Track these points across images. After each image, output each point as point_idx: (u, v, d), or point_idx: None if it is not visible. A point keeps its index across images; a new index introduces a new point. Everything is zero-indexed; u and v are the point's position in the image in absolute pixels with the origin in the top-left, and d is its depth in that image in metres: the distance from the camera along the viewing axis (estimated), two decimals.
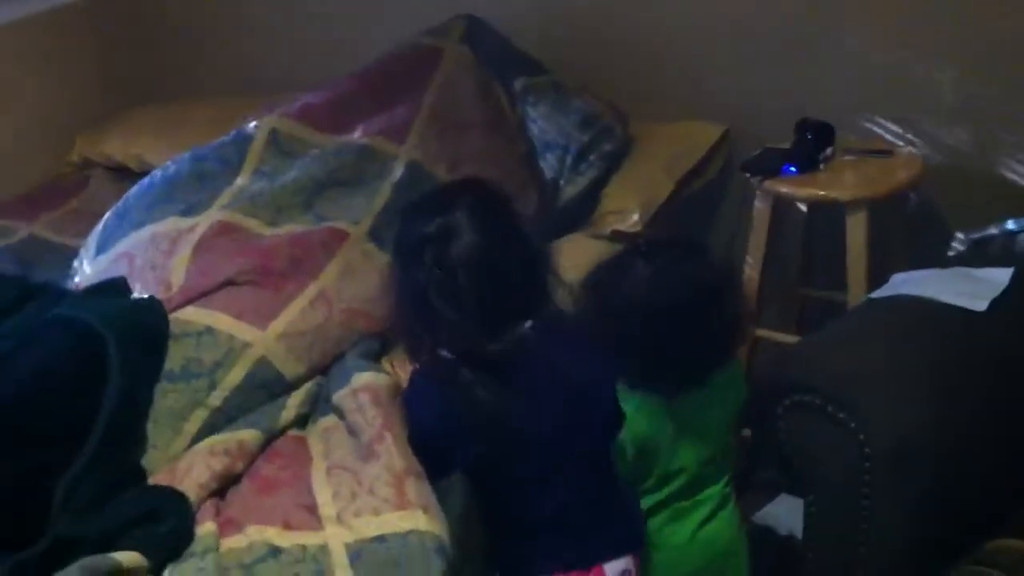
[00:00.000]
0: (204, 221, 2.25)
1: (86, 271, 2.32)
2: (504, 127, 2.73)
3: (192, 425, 1.93)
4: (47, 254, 2.69)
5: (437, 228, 1.81)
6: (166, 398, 1.93)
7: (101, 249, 2.33)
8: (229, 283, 2.13)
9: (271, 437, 1.95)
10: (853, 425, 1.96)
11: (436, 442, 1.84)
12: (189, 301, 2.09)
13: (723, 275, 2.05)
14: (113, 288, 2.13)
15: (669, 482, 2.03)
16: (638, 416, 1.97)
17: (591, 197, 2.75)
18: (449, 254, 1.79)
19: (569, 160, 2.75)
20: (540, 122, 2.80)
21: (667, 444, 2.00)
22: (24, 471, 1.70)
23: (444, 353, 1.83)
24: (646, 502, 2.02)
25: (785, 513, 2.47)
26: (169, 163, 2.47)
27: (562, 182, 2.74)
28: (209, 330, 2.03)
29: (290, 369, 2.05)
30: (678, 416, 2.00)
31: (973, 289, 2.21)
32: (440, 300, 1.79)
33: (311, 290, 2.14)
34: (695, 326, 1.93)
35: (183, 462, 1.86)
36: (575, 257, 2.23)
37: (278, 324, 2.07)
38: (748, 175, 2.71)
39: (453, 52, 2.75)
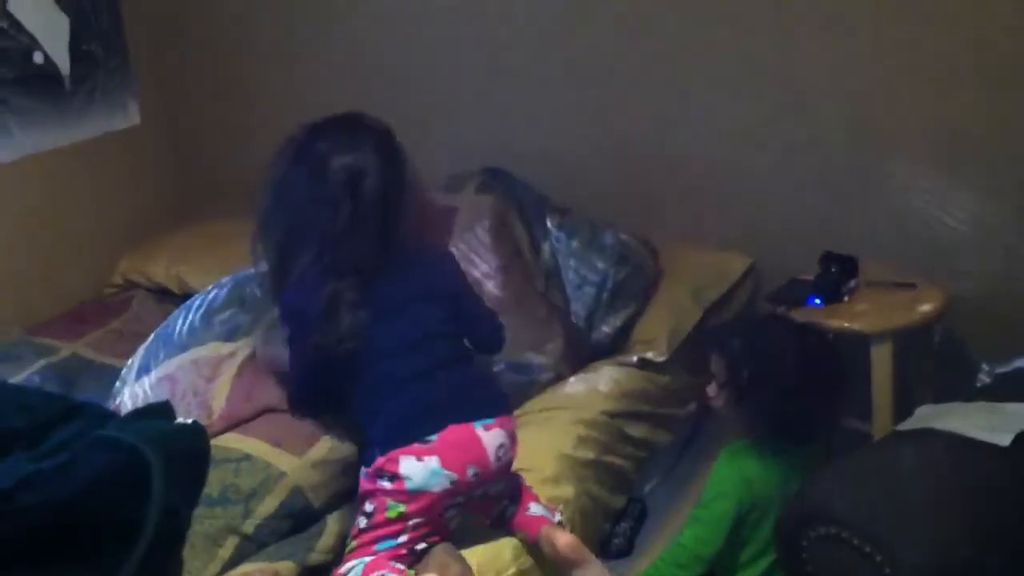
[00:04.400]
0: (244, 347, 2.32)
1: (128, 392, 2.39)
2: (519, 267, 2.76)
3: (225, 551, 1.95)
4: (88, 373, 2.76)
5: (353, 162, 2.06)
6: (203, 523, 1.96)
7: (144, 371, 2.40)
8: (269, 411, 2.18)
9: (304, 569, 1.97)
10: (879, 559, 1.96)
11: (305, 323, 2.06)
12: (229, 428, 2.15)
13: (840, 361, 2.34)
14: (159, 412, 2.18)
15: (765, 554, 2.24)
16: (757, 480, 2.22)
17: (624, 331, 2.79)
18: (360, 188, 2.05)
19: (605, 296, 2.79)
20: (573, 260, 2.85)
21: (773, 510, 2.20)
22: None
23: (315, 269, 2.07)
24: (745, 555, 2.26)
25: None
26: (212, 287, 2.55)
27: (597, 318, 2.78)
28: (248, 457, 2.08)
29: (319, 497, 2.08)
30: (784, 482, 2.21)
31: (998, 423, 2.21)
32: (336, 223, 2.05)
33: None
34: (823, 394, 2.23)
35: None
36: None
37: (315, 452, 2.11)
38: (774, 306, 2.75)
39: (469, 204, 2.83)
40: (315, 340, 2.03)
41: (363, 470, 2.05)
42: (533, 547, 2.09)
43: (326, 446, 2.12)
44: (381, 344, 2.05)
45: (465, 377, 2.11)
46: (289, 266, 2.12)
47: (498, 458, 2.04)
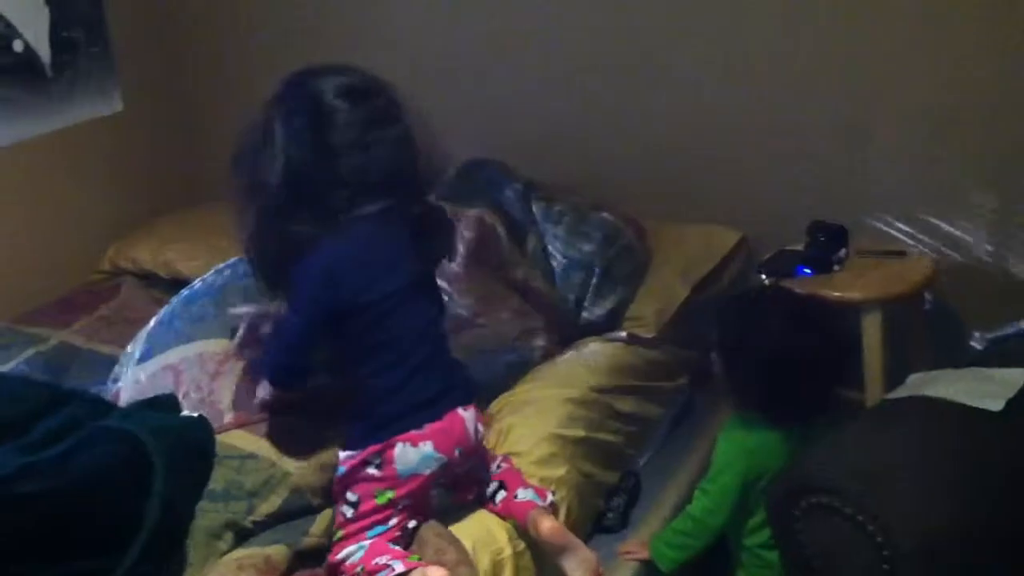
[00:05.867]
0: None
1: (129, 377, 2.37)
2: (482, 264, 2.70)
3: (224, 544, 1.95)
4: (78, 360, 2.74)
5: (351, 80, 2.02)
6: (205, 517, 1.96)
7: (145, 356, 2.38)
8: (276, 414, 2.18)
9: (296, 553, 1.96)
10: (872, 527, 1.95)
11: (330, 280, 1.98)
12: (237, 426, 2.15)
13: (842, 333, 2.34)
14: (165, 404, 2.17)
15: None
16: (759, 451, 2.24)
17: (615, 314, 2.78)
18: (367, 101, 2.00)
19: (594, 281, 2.78)
20: (560, 244, 2.84)
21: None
22: (66, 574, 1.72)
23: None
24: (753, 522, 2.26)
25: None
26: (221, 268, 2.52)
27: (586, 303, 2.77)
28: (253, 455, 2.08)
29: (318, 499, 2.07)
30: (787, 451, 2.22)
31: (989, 389, 2.21)
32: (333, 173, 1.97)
33: None
34: (816, 374, 2.22)
35: (212, 575, 1.86)
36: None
37: (325, 455, 2.10)
38: (763, 276, 2.74)
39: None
40: (343, 295, 1.97)
41: (346, 453, 2.03)
42: (525, 533, 2.10)
43: (335, 451, 2.09)
44: (402, 324, 2.02)
45: (452, 364, 2.13)
46: (296, 226, 2.00)
47: (475, 434, 2.08)
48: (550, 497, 2.15)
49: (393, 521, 1.99)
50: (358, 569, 1.92)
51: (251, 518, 1.99)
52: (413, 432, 1.98)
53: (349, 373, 2.05)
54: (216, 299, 2.44)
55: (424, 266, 2.12)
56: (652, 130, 3.13)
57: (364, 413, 2.03)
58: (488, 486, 2.15)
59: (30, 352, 2.75)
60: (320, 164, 1.97)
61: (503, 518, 2.12)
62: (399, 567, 1.89)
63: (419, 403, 2.01)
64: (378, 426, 2.00)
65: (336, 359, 2.10)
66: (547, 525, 2.04)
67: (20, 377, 2.52)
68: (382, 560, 1.91)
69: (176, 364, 2.32)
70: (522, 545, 2.11)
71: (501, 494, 2.13)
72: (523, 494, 2.12)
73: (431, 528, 2.04)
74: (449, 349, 2.15)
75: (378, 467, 1.98)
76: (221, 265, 2.55)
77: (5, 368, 2.62)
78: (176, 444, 1.96)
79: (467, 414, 2.06)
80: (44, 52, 3.18)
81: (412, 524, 2.03)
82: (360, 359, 2.02)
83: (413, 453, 1.98)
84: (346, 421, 2.07)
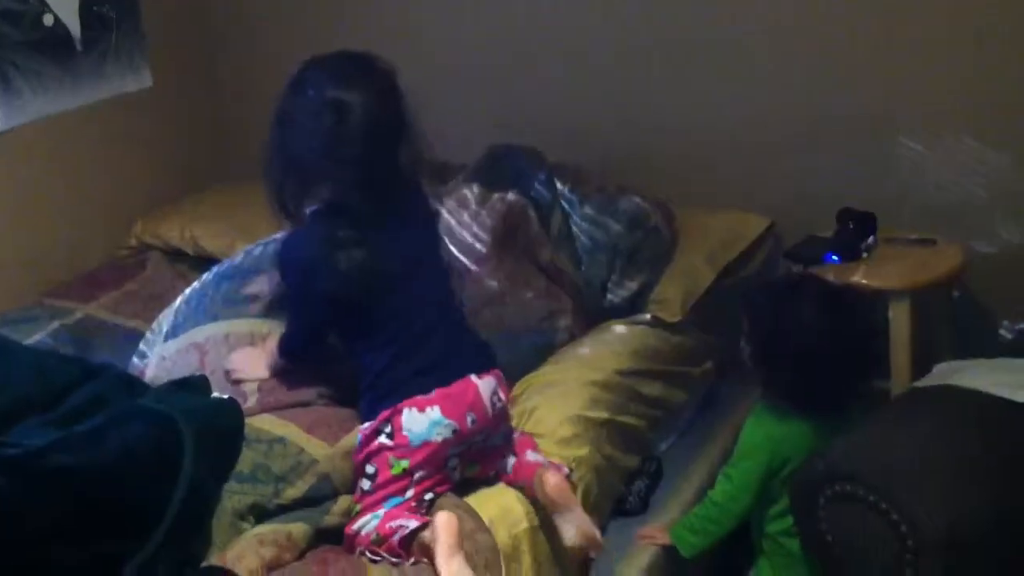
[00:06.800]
0: (278, 329, 2.28)
1: (155, 354, 2.38)
2: (509, 247, 2.71)
3: (247, 525, 1.96)
4: (102, 334, 2.75)
5: (340, 96, 2.01)
6: (231, 499, 1.97)
7: (172, 334, 2.38)
8: (304, 404, 2.19)
9: (317, 531, 1.98)
10: (896, 517, 1.94)
11: (308, 271, 2.05)
12: (262, 410, 2.16)
13: (872, 325, 2.36)
14: (195, 385, 2.17)
15: None
16: (785, 440, 2.23)
17: (640, 295, 2.76)
18: (344, 122, 1.99)
19: (619, 264, 2.76)
20: (587, 224, 2.82)
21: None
22: (93, 555, 1.71)
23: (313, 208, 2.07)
24: (775, 510, 2.25)
25: None
26: (251, 248, 2.53)
27: (611, 285, 2.75)
28: (281, 440, 2.08)
29: (344, 485, 2.08)
30: (814, 441, 2.21)
31: (1017, 379, 2.20)
32: (319, 159, 2.01)
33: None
34: (846, 366, 2.21)
35: (232, 551, 1.87)
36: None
37: (347, 440, 2.10)
38: (791, 263, 2.73)
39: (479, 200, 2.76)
40: (321, 286, 2.03)
41: (361, 429, 2.05)
42: (531, 497, 2.09)
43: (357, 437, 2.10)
44: (401, 297, 2.06)
45: (463, 331, 2.15)
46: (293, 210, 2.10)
47: (493, 404, 2.07)
48: (566, 471, 2.14)
49: (410, 492, 2.00)
50: (373, 536, 1.93)
51: (276, 501, 2.00)
52: (419, 397, 2.00)
53: (353, 347, 2.10)
54: (246, 280, 2.44)
55: (418, 246, 2.15)
56: (680, 116, 3.11)
57: (371, 384, 2.06)
58: (507, 462, 2.15)
59: (55, 325, 2.76)
60: (321, 155, 2.02)
61: (514, 486, 2.13)
62: (412, 524, 1.90)
63: (423, 368, 2.02)
64: (385, 394, 2.02)
65: (341, 335, 2.15)
66: (553, 481, 2.04)
67: (49, 351, 2.52)
68: (395, 523, 1.92)
69: (202, 343, 2.33)
70: (540, 519, 2.10)
71: (511, 460, 2.14)
72: (531, 456, 2.14)
73: (448, 499, 2.04)
74: (462, 318, 2.18)
75: (389, 435, 2.00)
76: (251, 246, 2.55)
77: (30, 341, 2.62)
78: (206, 426, 1.95)
79: (482, 382, 2.06)
80: (74, 26, 3.18)
81: (429, 496, 2.03)
82: (362, 332, 2.06)
83: (421, 418, 1.99)
84: (359, 398, 2.10)
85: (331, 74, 2.06)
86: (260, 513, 1.98)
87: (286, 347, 2.21)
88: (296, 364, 2.22)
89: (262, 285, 2.41)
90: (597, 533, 2.06)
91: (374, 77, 2.07)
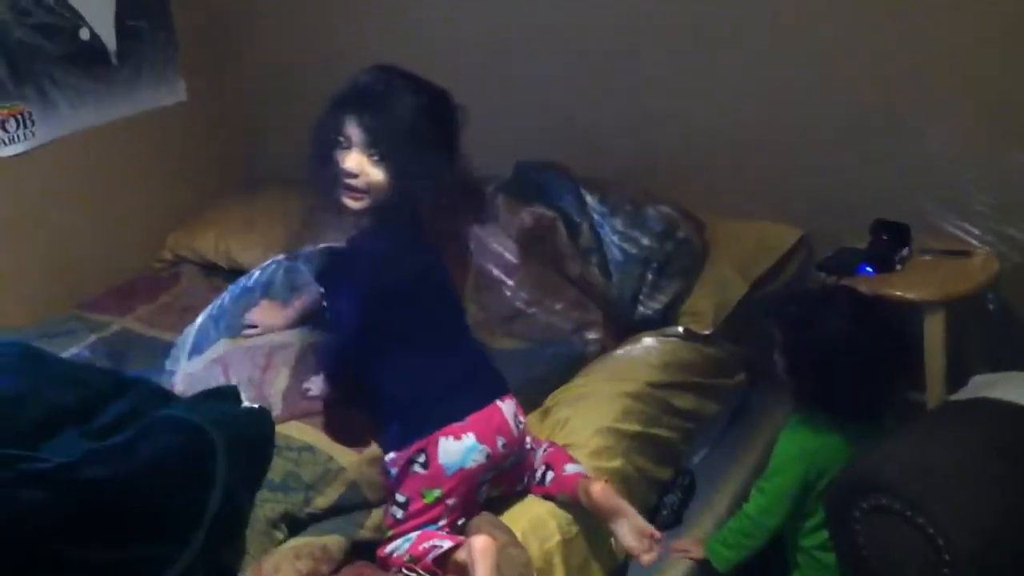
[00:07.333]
0: (300, 339, 2.32)
1: (180, 371, 2.41)
2: (536, 256, 2.76)
3: (280, 534, 1.98)
4: (138, 347, 2.78)
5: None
6: (263, 507, 1.98)
7: (196, 350, 2.42)
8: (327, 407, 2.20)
9: (352, 544, 1.99)
10: (932, 530, 1.93)
11: (379, 264, 2.08)
12: (288, 418, 2.17)
13: (905, 336, 2.37)
14: (226, 395, 2.20)
15: None
16: (819, 453, 2.23)
17: (672, 307, 2.76)
18: None
19: (650, 276, 2.75)
20: (617, 237, 2.81)
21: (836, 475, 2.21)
22: (129, 561, 1.74)
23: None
24: (810, 523, 2.26)
25: None
26: (267, 263, 2.56)
27: (642, 297, 2.75)
28: (309, 448, 2.10)
29: (374, 493, 2.09)
30: (849, 454, 2.21)
31: None
32: None
33: None
34: (879, 376, 2.22)
35: (268, 563, 1.89)
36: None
37: (374, 448, 2.12)
38: (824, 275, 2.71)
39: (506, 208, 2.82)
40: (390, 280, 2.05)
41: (390, 456, 2.06)
42: (577, 508, 2.09)
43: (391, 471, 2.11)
44: (418, 321, 2.08)
45: (476, 352, 2.17)
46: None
47: (517, 426, 2.10)
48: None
49: (443, 521, 2.00)
50: (405, 557, 1.94)
51: (307, 510, 2.01)
52: (455, 425, 2.00)
53: (373, 378, 2.10)
54: (263, 295, 2.49)
55: (439, 269, 2.18)
56: (710, 125, 3.09)
57: (397, 414, 2.06)
58: (536, 472, 2.16)
59: (92, 338, 2.79)
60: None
61: (554, 498, 2.13)
62: (446, 544, 1.91)
63: (449, 394, 2.03)
64: (416, 424, 2.02)
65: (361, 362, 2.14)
66: (598, 488, 2.03)
67: (84, 363, 2.56)
68: (428, 544, 1.93)
69: (224, 356, 2.36)
70: (573, 531, 2.11)
71: (550, 475, 2.14)
72: (571, 468, 2.13)
73: (481, 517, 2.05)
74: (477, 344, 2.21)
75: (423, 465, 2.00)
76: (267, 262, 2.59)
77: (67, 354, 2.65)
78: (238, 435, 1.98)
79: (505, 405, 2.08)
80: (110, 40, 3.21)
81: (462, 521, 2.04)
82: (376, 349, 2.07)
83: (456, 446, 1.99)
84: (378, 421, 2.11)
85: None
86: (292, 522, 2.00)
87: (333, 360, 2.18)
88: (337, 387, 2.20)
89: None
90: (655, 531, 2.04)
91: (419, 92, 2.14)
